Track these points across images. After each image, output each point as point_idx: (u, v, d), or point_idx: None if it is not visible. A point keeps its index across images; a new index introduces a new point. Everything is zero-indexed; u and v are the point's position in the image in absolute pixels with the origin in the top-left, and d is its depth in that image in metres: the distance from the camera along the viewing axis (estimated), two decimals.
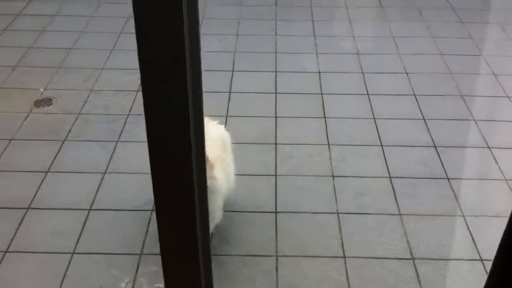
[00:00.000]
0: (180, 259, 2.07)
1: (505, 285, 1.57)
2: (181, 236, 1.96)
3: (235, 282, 2.91)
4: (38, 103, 4.40)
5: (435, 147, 3.88)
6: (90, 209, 3.35)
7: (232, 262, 3.03)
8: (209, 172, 2.50)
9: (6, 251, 3.06)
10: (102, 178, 3.60)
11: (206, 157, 2.45)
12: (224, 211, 3.31)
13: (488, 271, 1.61)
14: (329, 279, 2.92)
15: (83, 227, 3.22)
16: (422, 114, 4.24)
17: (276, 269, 2.97)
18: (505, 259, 1.57)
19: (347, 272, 2.94)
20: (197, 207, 1.89)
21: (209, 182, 2.50)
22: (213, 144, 2.89)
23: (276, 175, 3.65)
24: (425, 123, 4.13)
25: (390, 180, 3.58)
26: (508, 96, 4.50)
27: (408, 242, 3.12)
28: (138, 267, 2.96)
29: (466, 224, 3.23)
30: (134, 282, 2.88)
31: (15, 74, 4.77)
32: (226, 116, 4.25)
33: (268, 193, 3.50)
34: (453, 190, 3.48)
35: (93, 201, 3.42)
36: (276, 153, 3.85)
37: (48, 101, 4.44)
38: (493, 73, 4.83)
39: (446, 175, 3.61)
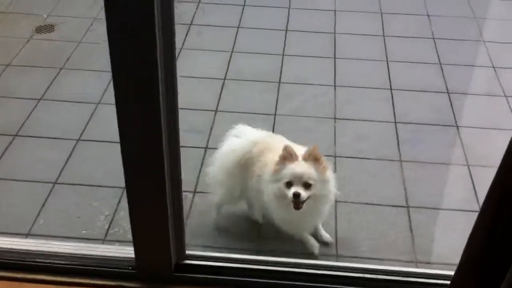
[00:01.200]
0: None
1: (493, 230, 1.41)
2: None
3: (219, 222, 2.78)
4: (40, 29, 4.27)
5: (448, 93, 3.63)
6: (78, 140, 3.24)
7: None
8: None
9: None
10: (95, 109, 3.48)
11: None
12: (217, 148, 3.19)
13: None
14: None
15: (68, 157, 3.12)
16: (439, 59, 3.97)
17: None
18: (494, 206, 1.40)
19: (336, 217, 2.79)
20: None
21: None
22: None
23: (275, 114, 3.48)
24: (441, 68, 3.87)
25: (395, 125, 3.37)
26: None
27: (405, 189, 2.93)
28: (119, 200, 2.85)
29: (470, 174, 3.02)
30: (113, 216, 2.78)
31: None
32: (232, 52, 4.05)
33: None
34: (460, 139, 3.26)
35: (83, 131, 3.30)
36: (278, 92, 3.66)
37: (50, 28, 4.29)
38: None
39: (456, 122, 3.38)
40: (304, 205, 2.33)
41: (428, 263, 2.59)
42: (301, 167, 2.31)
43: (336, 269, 2.32)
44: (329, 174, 2.40)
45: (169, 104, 1.79)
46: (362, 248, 2.65)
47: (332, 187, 2.43)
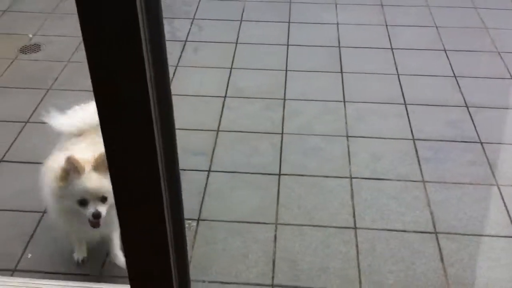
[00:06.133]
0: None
1: None
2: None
3: (225, 252, 2.49)
4: (25, 50, 3.99)
5: (467, 107, 3.38)
6: None
7: (224, 229, 2.61)
8: None
9: None
10: None
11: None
12: (221, 171, 2.92)
13: None
14: (336, 252, 2.49)
15: None
16: (453, 71, 3.73)
17: (275, 239, 2.55)
18: None
19: (357, 246, 2.50)
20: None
21: None
22: None
23: (282, 133, 3.21)
24: (456, 81, 3.63)
25: (414, 142, 3.10)
26: None
27: (431, 213, 2.66)
28: None
29: (501, 194, 2.75)
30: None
31: (4, 19, 4.36)
32: (231, 68, 3.80)
33: (272, 153, 3.06)
34: (486, 156, 3.00)
35: None
36: (284, 109, 3.40)
37: (36, 48, 4.02)
38: None
39: (479, 138, 3.12)
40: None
41: None
42: (94, 181, 2.00)
43: None
44: None
45: (164, 124, 1.51)
46: (388, 281, 2.37)
47: None
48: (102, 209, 2.02)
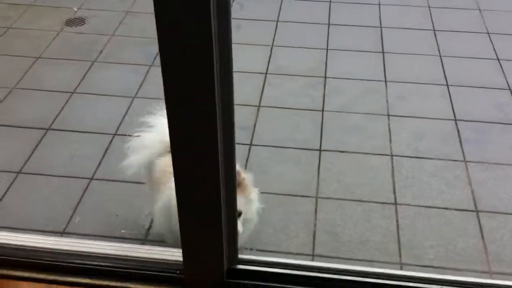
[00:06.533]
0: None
1: None
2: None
3: (267, 223, 2.54)
4: (70, 22, 4.08)
5: (510, 90, 3.36)
6: (115, 134, 3.03)
7: (265, 201, 2.66)
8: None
9: (19, 172, 2.78)
10: (131, 103, 3.27)
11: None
12: (262, 145, 2.96)
13: None
14: (376, 227, 2.52)
15: (105, 152, 2.91)
16: (496, 54, 3.69)
17: (315, 212, 2.59)
18: None
19: (397, 221, 2.53)
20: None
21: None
22: None
23: (323, 110, 3.23)
24: (500, 64, 3.60)
25: (456, 123, 3.10)
26: None
27: (472, 192, 2.67)
28: None
29: None
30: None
31: None
32: (272, 46, 3.82)
33: (313, 129, 3.09)
34: None
35: (119, 126, 3.09)
36: (324, 88, 3.42)
37: (81, 21, 4.10)
38: None
39: None
40: None
41: (504, 274, 2.32)
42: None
43: (402, 279, 2.06)
44: (253, 194, 2.11)
45: (225, 99, 1.55)
46: (428, 256, 2.39)
47: (255, 207, 2.13)
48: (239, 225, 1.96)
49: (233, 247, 2.02)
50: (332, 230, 2.51)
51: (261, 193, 2.69)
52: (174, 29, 1.28)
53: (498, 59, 3.64)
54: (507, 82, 3.41)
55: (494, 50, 3.73)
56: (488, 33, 3.93)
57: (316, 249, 2.43)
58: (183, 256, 1.97)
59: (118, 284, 2.02)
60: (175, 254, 2.04)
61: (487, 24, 4.03)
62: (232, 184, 1.80)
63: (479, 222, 2.51)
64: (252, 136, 3.05)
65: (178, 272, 2.01)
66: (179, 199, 1.81)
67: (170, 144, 1.55)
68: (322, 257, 2.39)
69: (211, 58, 1.35)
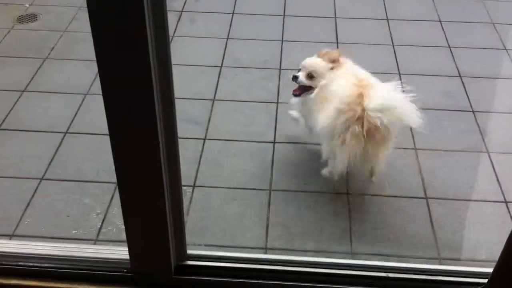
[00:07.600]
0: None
1: None
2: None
3: (220, 218, 2.55)
4: (22, 19, 4.00)
5: (460, 77, 3.41)
6: (66, 132, 2.99)
7: (218, 195, 2.66)
8: None
9: None
10: (83, 100, 3.23)
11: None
12: (217, 139, 2.96)
13: None
14: (329, 218, 2.54)
15: (56, 152, 2.86)
16: (448, 42, 3.75)
17: (269, 204, 2.60)
18: None
19: (349, 211, 2.56)
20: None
21: None
22: None
23: (277, 102, 3.24)
24: (450, 51, 3.65)
25: None
26: None
27: (422, 179, 2.71)
28: (112, 197, 2.60)
29: (491, 161, 2.80)
30: (106, 213, 2.53)
31: None
32: (227, 39, 3.81)
33: (268, 122, 3.10)
34: (478, 124, 3.04)
35: (71, 124, 3.05)
36: (279, 80, 3.43)
37: (33, 17, 4.03)
38: None
39: (471, 107, 3.16)
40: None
41: (453, 259, 2.37)
42: (308, 60, 2.72)
43: (353, 268, 2.09)
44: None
45: (164, 92, 1.54)
46: (379, 244, 2.42)
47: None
48: (303, 79, 2.67)
49: (181, 243, 2.02)
50: (285, 222, 2.53)
51: (215, 187, 2.71)
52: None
53: (449, 46, 3.70)
54: (457, 69, 3.47)
55: (446, 38, 3.79)
56: (440, 21, 3.98)
57: (269, 242, 2.44)
58: (130, 254, 1.97)
59: (65, 285, 2.01)
60: (123, 253, 2.03)
61: (439, 12, 4.08)
62: (177, 179, 1.80)
63: (429, 209, 2.56)
64: (207, 130, 3.04)
65: (125, 270, 2.01)
66: (122, 196, 1.80)
67: (110, 141, 1.56)
68: (275, 249, 2.41)
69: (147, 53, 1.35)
